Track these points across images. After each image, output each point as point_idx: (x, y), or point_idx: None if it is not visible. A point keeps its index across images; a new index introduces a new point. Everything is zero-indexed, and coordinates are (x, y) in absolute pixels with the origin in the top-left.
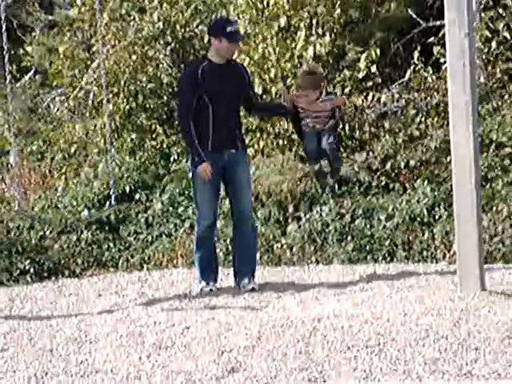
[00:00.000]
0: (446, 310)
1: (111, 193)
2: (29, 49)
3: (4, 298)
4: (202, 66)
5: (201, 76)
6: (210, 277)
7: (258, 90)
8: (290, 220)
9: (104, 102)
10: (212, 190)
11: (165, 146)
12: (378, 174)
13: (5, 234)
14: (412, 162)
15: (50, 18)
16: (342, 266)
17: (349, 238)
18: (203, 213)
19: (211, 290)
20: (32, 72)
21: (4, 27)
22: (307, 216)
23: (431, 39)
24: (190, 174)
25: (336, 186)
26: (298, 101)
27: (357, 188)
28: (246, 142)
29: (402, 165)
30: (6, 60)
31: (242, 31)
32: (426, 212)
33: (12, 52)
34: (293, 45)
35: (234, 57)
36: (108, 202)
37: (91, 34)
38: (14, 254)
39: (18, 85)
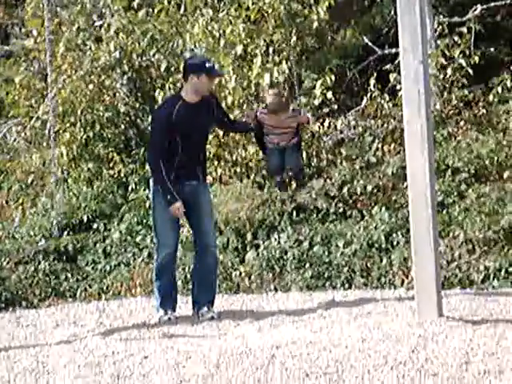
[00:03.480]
0: (404, 336)
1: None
2: None
3: None
4: (178, 106)
5: (175, 118)
6: (168, 306)
7: None
8: (248, 247)
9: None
10: (173, 218)
11: (122, 174)
12: (336, 200)
13: None
14: (369, 188)
15: (6, 48)
16: (301, 294)
17: (307, 265)
18: (164, 241)
19: (169, 318)
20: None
21: None
22: (265, 243)
23: (387, 66)
24: (151, 202)
25: (294, 213)
26: (264, 118)
27: (315, 215)
28: None
29: (359, 191)
30: None
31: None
32: (383, 238)
33: None
34: (249, 72)
35: None
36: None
37: (46, 64)
38: None
39: None
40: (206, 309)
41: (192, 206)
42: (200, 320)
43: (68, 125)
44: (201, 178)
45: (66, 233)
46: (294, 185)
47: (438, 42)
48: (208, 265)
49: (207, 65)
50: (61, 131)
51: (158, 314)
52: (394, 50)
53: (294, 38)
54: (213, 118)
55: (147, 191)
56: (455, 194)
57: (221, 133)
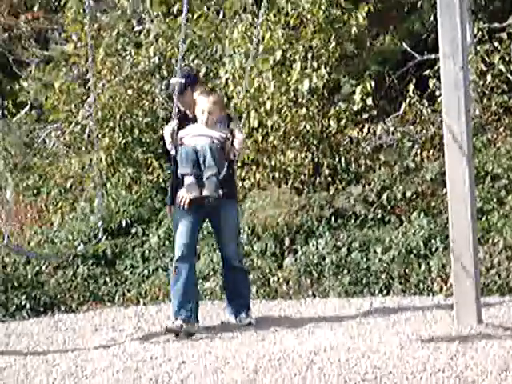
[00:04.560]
0: (442, 343)
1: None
2: (25, 84)
3: (0, 334)
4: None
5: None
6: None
7: (254, 123)
8: (286, 253)
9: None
10: (190, 228)
11: (161, 179)
12: (374, 206)
13: (1, 270)
14: (408, 194)
15: (46, 53)
16: (339, 299)
17: (345, 271)
18: (180, 250)
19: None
20: (28, 107)
21: None
22: (303, 249)
23: (426, 72)
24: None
25: (332, 219)
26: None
27: (353, 221)
28: (242, 174)
29: (398, 197)
30: None
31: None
32: (422, 244)
33: (8, 87)
34: (288, 78)
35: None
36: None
37: (87, 69)
38: (10, 289)
39: (13, 120)
40: (244, 315)
41: (213, 222)
42: (238, 325)
43: (107, 130)
44: (223, 194)
45: (104, 237)
46: (331, 190)
47: (478, 47)
48: (233, 279)
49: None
50: (100, 136)
51: (169, 321)
52: (433, 56)
53: (333, 44)
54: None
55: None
56: (494, 200)
57: (259, 138)
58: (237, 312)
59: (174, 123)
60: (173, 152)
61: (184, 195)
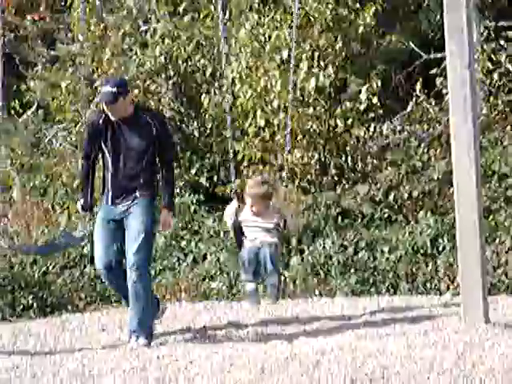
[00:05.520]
0: (450, 342)
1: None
2: (31, 84)
3: (7, 334)
4: (102, 118)
5: (98, 128)
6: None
7: (260, 121)
8: (292, 253)
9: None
10: (105, 235)
11: None
12: (381, 205)
13: (8, 270)
14: (415, 194)
15: (52, 53)
16: (346, 299)
17: (352, 270)
18: (97, 256)
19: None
20: (34, 107)
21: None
22: (310, 248)
23: (433, 71)
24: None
25: (339, 218)
26: (242, 211)
27: (359, 220)
28: (249, 173)
29: (405, 196)
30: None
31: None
32: (429, 244)
33: (14, 87)
34: (295, 77)
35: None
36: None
37: (93, 69)
38: (17, 289)
39: (20, 120)
40: (134, 337)
41: (124, 222)
42: (129, 346)
43: None
44: (138, 196)
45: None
46: (338, 190)
47: (485, 46)
48: (131, 286)
49: (101, 90)
50: None
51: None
52: (440, 55)
53: (340, 43)
54: (146, 135)
55: (192, 196)
56: (502, 199)
57: (267, 136)
58: (131, 331)
59: (233, 205)
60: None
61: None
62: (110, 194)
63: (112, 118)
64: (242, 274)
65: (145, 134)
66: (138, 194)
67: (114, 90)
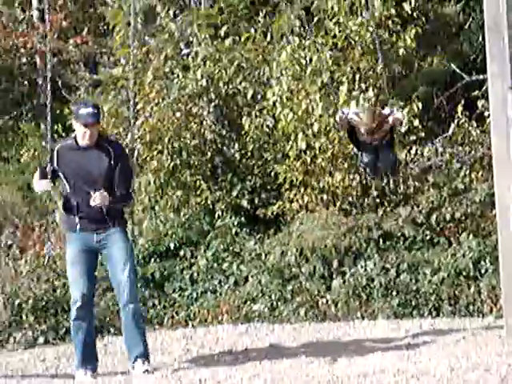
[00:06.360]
0: (493, 365)
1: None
2: (74, 108)
3: (50, 357)
4: (65, 145)
5: (57, 155)
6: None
7: (301, 144)
8: (334, 275)
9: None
10: (81, 268)
11: (209, 202)
12: (423, 227)
13: (51, 293)
14: (457, 216)
15: (95, 77)
16: (388, 322)
17: (394, 292)
18: (73, 292)
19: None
20: None
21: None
22: (352, 271)
23: (475, 93)
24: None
25: (381, 241)
26: (356, 122)
27: (401, 242)
28: (291, 196)
29: (447, 218)
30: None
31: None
32: (471, 266)
33: (57, 111)
34: (336, 100)
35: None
36: None
37: (135, 93)
38: (59, 312)
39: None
40: (140, 363)
41: (106, 256)
42: (134, 374)
43: (155, 152)
44: (111, 225)
45: (152, 260)
46: (380, 212)
47: None
48: (129, 323)
49: (81, 111)
50: (148, 159)
51: (78, 373)
52: (481, 77)
53: (381, 65)
54: (109, 163)
55: (233, 218)
56: None
57: (308, 159)
58: (133, 361)
59: None
60: None
61: None
62: (78, 223)
63: (85, 143)
64: None
65: (108, 162)
66: (110, 223)
67: (96, 111)
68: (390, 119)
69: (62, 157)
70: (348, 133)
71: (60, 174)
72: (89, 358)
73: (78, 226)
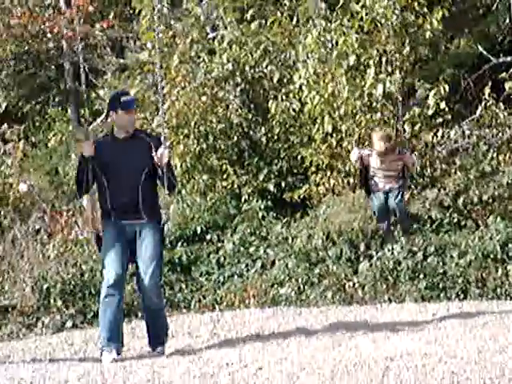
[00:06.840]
0: None
1: None
2: (100, 92)
3: (78, 341)
4: (101, 140)
5: (95, 149)
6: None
7: (328, 127)
8: (361, 258)
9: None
10: (116, 250)
11: (235, 186)
12: (450, 210)
13: (78, 277)
14: (484, 198)
15: (121, 61)
16: (415, 305)
17: (421, 275)
18: (107, 273)
19: (115, 360)
20: (104, 115)
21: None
22: (379, 254)
23: (502, 75)
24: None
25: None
26: (370, 161)
27: (428, 225)
28: (317, 180)
29: (475, 201)
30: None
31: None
32: (499, 248)
33: (84, 96)
34: (362, 83)
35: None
36: None
37: (162, 77)
38: (87, 296)
39: (90, 128)
40: (159, 348)
41: (136, 248)
42: (160, 351)
43: (182, 137)
44: (146, 217)
45: (179, 244)
46: (406, 196)
47: None
48: (148, 308)
49: (122, 99)
50: (174, 143)
51: (104, 356)
52: (509, 59)
53: (408, 48)
54: (146, 155)
55: (260, 202)
56: None
57: (334, 143)
58: (154, 344)
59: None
60: None
61: None
62: (113, 214)
63: (130, 130)
64: None
65: (145, 154)
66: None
67: (134, 98)
68: (405, 158)
69: (98, 150)
70: (360, 172)
71: (96, 168)
72: (114, 339)
73: (113, 218)
